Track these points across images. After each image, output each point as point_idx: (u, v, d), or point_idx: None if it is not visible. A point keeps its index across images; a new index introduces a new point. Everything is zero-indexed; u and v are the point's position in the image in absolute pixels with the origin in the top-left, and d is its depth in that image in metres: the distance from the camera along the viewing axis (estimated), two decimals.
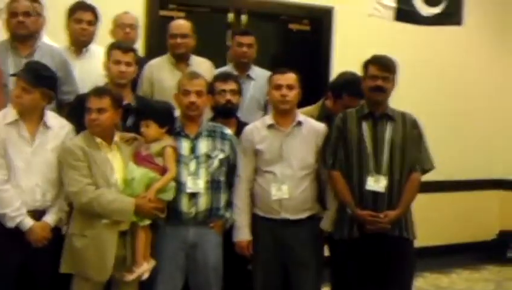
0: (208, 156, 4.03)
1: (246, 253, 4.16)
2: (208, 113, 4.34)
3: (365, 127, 4.07)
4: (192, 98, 4.00)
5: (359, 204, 4.00)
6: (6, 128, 3.75)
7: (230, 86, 4.37)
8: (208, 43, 5.26)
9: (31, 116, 3.80)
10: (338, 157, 4.08)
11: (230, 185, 4.16)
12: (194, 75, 4.12)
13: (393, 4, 6.29)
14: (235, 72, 4.85)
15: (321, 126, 4.23)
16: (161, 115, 3.93)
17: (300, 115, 4.23)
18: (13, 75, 3.81)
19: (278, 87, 4.13)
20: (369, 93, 4.09)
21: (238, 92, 4.42)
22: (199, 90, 4.03)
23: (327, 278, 4.43)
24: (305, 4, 6.34)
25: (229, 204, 4.14)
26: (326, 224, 4.17)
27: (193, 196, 3.95)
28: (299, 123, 4.17)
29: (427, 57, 6.90)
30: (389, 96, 4.12)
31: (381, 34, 6.44)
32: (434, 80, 6.99)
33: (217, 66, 5.05)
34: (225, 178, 4.11)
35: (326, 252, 4.40)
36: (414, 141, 4.12)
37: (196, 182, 3.95)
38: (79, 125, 3.94)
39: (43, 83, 3.81)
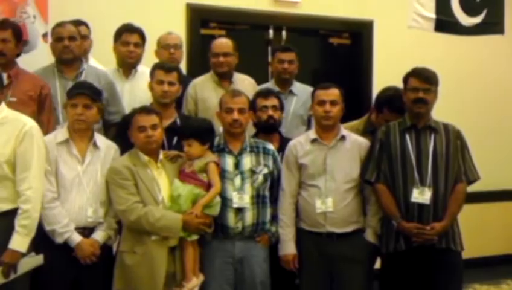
0: (253, 172, 4.08)
1: (291, 267, 4.18)
2: (250, 130, 4.40)
3: (408, 139, 4.08)
4: (235, 115, 4.06)
5: (405, 216, 4.00)
6: (57, 148, 3.86)
7: (272, 102, 4.42)
8: (248, 60, 5.32)
9: (81, 136, 3.91)
10: (382, 170, 4.09)
11: (273, 199, 4.20)
12: (236, 93, 4.19)
13: (433, 15, 6.26)
14: (277, 89, 4.90)
15: (364, 140, 4.26)
16: (201, 132, 4.00)
17: (344, 129, 4.26)
18: (75, 92, 3.90)
19: (321, 103, 4.16)
20: (411, 105, 4.09)
21: (280, 107, 4.46)
22: (241, 108, 4.10)
23: None
24: (345, 18, 6.36)
25: (274, 218, 4.18)
26: (369, 235, 4.18)
27: (239, 211, 4.00)
28: (343, 137, 4.20)
29: (469, 68, 6.86)
30: (431, 108, 4.12)
31: (421, 46, 6.43)
32: (477, 90, 6.94)
33: (258, 82, 5.10)
34: (269, 193, 4.16)
35: (378, 264, 4.39)
36: (458, 151, 4.11)
37: (242, 197, 4.01)
38: (126, 145, 4.03)
39: (100, 98, 3.97)
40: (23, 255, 3.63)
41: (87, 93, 3.89)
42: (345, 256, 4.11)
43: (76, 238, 3.80)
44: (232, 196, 4.00)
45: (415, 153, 4.05)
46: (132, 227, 3.83)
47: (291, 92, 5.00)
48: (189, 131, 4.03)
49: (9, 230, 3.62)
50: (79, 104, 3.85)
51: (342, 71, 6.34)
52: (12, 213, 3.65)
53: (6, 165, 3.66)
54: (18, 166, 3.67)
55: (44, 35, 5.12)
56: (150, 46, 5.08)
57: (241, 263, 4.04)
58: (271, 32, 6.19)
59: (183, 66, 5.36)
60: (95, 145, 3.94)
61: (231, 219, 4.00)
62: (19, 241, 3.61)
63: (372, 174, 4.10)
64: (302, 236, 4.19)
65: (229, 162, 4.07)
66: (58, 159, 3.85)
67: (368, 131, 4.48)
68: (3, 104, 3.78)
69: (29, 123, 3.75)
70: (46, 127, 4.09)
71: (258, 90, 4.74)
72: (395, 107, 4.29)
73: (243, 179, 4.05)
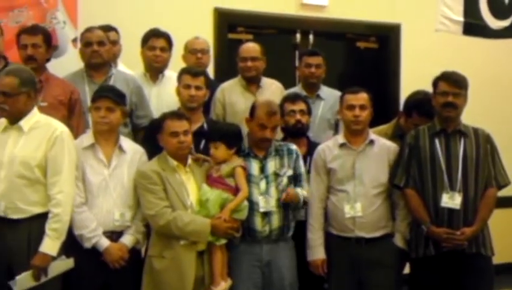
0: (277, 175, 4.08)
1: (320, 272, 4.17)
2: (278, 134, 4.39)
3: (438, 143, 4.06)
4: (268, 134, 4.05)
5: (434, 221, 3.98)
6: (83, 152, 3.89)
7: (299, 106, 4.42)
8: (275, 65, 5.32)
9: (107, 140, 3.94)
10: (411, 174, 4.07)
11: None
12: (272, 111, 4.07)
13: (461, 18, 6.21)
14: (304, 93, 4.89)
15: (392, 144, 4.24)
16: (229, 136, 4.01)
17: (372, 134, 4.25)
18: (99, 96, 3.95)
19: (351, 107, 4.15)
20: (440, 109, 4.07)
21: (307, 112, 4.46)
22: (275, 126, 4.09)
23: None
24: (372, 22, 6.35)
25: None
26: (398, 240, 4.16)
27: (266, 214, 4.01)
28: (371, 142, 4.19)
29: (497, 71, 6.80)
30: (461, 112, 4.10)
31: (449, 49, 6.38)
32: (505, 93, 6.88)
33: (285, 87, 5.09)
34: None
35: (407, 269, 4.37)
36: (488, 156, 4.08)
37: (268, 201, 4.01)
38: (153, 149, 4.04)
39: (123, 101, 3.99)
40: (53, 258, 3.67)
41: (110, 96, 3.92)
42: (373, 261, 4.09)
43: (105, 242, 3.83)
44: (258, 200, 4.00)
45: (445, 157, 4.02)
46: (161, 232, 3.84)
47: (318, 96, 5.00)
48: (217, 134, 4.05)
49: (40, 233, 3.66)
50: (102, 107, 3.88)
51: (369, 75, 6.32)
52: (43, 216, 3.69)
53: (38, 169, 3.71)
54: (49, 170, 3.72)
55: (74, 41, 5.18)
56: (178, 51, 5.11)
57: (268, 266, 4.04)
58: (298, 36, 6.20)
59: (210, 71, 5.38)
60: (121, 149, 3.96)
61: (258, 222, 4.00)
62: (50, 245, 3.65)
63: (401, 178, 4.08)
64: (330, 241, 4.19)
65: (254, 166, 4.07)
66: (85, 164, 3.88)
67: (396, 135, 4.46)
68: (35, 108, 3.82)
69: (60, 128, 3.80)
70: (76, 132, 4.12)
71: (286, 94, 4.74)
72: (424, 111, 4.28)
73: (267, 183, 4.05)
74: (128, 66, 5.01)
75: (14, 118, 3.75)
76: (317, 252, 4.16)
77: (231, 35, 5.95)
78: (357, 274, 4.13)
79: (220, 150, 3.97)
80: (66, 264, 3.74)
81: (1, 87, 3.72)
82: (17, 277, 3.58)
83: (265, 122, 4.05)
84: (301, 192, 4.06)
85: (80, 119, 4.34)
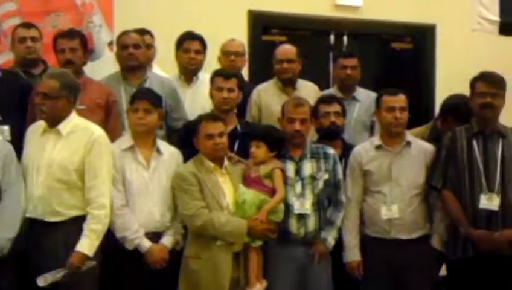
0: (313, 178, 4.08)
1: (356, 274, 4.16)
2: (312, 135, 4.39)
3: (475, 145, 4.02)
4: (297, 126, 4.07)
5: (472, 223, 3.94)
6: (122, 154, 3.93)
7: (335, 108, 4.40)
8: (309, 66, 5.32)
9: (145, 142, 3.97)
10: (448, 176, 4.04)
11: (333, 202, 4.17)
12: (299, 103, 4.17)
13: (497, 18, 6.18)
14: (340, 95, 4.88)
15: (429, 146, 4.21)
16: (273, 139, 4.01)
17: (409, 135, 4.22)
18: (137, 97, 3.98)
19: (391, 109, 4.13)
20: (478, 110, 4.03)
21: (342, 114, 4.44)
22: (304, 118, 4.10)
23: None
24: (407, 22, 6.32)
25: (330, 223, 4.12)
26: (435, 242, 4.13)
27: (301, 217, 4.00)
28: (408, 143, 4.16)
29: None
30: (499, 113, 4.06)
31: (485, 50, 6.33)
32: None
33: (319, 88, 5.08)
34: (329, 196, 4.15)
35: (444, 271, 4.35)
36: None
37: (303, 204, 4.01)
38: (189, 151, 4.07)
39: (161, 103, 4.03)
40: (88, 258, 3.69)
41: (148, 98, 3.95)
42: (410, 262, 4.06)
43: (146, 244, 3.85)
44: (294, 203, 4.00)
45: (483, 158, 3.98)
46: (198, 232, 3.86)
47: (354, 98, 4.98)
48: (261, 133, 4.07)
49: (77, 236, 3.69)
50: (140, 109, 3.91)
51: (404, 76, 6.30)
52: (80, 219, 3.73)
53: (75, 173, 3.74)
54: (87, 174, 3.75)
55: (110, 44, 5.25)
56: (213, 54, 5.13)
57: (304, 268, 4.03)
58: (332, 37, 6.21)
59: (244, 73, 5.40)
60: (159, 151, 3.99)
61: (293, 224, 4.00)
62: (87, 245, 3.68)
63: (439, 180, 4.05)
64: (367, 243, 4.17)
65: (290, 168, 4.07)
66: (125, 166, 3.91)
67: (433, 138, 4.43)
68: (74, 112, 3.87)
69: (98, 132, 3.83)
70: (113, 134, 4.14)
71: (321, 96, 4.73)
72: (460, 115, 4.25)
73: (303, 186, 4.05)
74: (163, 69, 5.04)
75: (53, 122, 3.79)
76: (353, 254, 4.15)
77: (265, 37, 5.98)
78: (394, 276, 4.10)
79: (261, 150, 3.98)
80: (87, 265, 3.74)
81: (42, 88, 3.77)
82: (47, 274, 3.60)
83: (292, 114, 4.07)
84: (329, 238, 4.06)
85: (116, 122, 4.38)
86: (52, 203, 3.72)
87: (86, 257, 3.68)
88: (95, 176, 3.74)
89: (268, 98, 4.84)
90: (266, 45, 5.79)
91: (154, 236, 3.90)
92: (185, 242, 3.97)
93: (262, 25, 5.93)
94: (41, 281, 3.61)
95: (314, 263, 4.03)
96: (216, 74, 4.36)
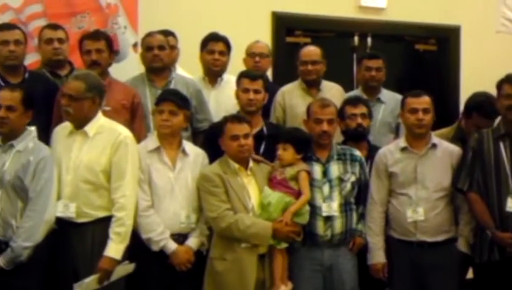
0: (341, 180, 4.07)
1: (380, 276, 4.14)
2: (338, 137, 4.38)
3: (502, 147, 3.99)
4: (324, 127, 4.06)
5: (499, 226, 3.92)
6: (148, 156, 3.94)
7: (361, 109, 4.39)
8: (333, 68, 5.28)
9: (171, 143, 3.97)
10: (475, 178, 4.01)
11: (362, 202, 4.18)
12: (325, 103, 4.17)
13: None
14: (364, 96, 4.87)
15: (456, 148, 4.19)
16: (300, 141, 4.01)
17: (434, 137, 4.20)
18: (162, 99, 3.99)
19: (414, 111, 4.11)
20: (505, 112, 4.01)
21: (369, 115, 4.42)
22: (330, 119, 4.10)
23: None
24: (431, 24, 6.29)
25: (361, 219, 4.16)
26: (461, 245, 4.10)
27: (328, 219, 3.99)
28: (434, 145, 4.14)
29: None
30: None
31: (510, 51, 6.28)
32: None
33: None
34: (356, 199, 4.15)
35: (470, 274, 4.32)
36: None
37: (330, 206, 4.00)
38: (213, 152, 4.07)
39: (186, 105, 4.02)
40: (118, 262, 3.71)
41: (174, 99, 3.95)
42: (436, 265, 4.04)
43: (172, 245, 3.86)
44: (321, 204, 4.00)
45: (510, 161, 3.96)
46: (223, 234, 3.86)
47: (378, 100, 4.97)
48: (289, 135, 4.06)
49: (104, 237, 3.72)
50: (165, 110, 3.92)
51: (428, 78, 6.27)
52: (107, 220, 3.76)
53: (102, 174, 3.77)
54: (113, 175, 3.77)
55: (135, 45, 5.28)
56: (237, 55, 5.12)
57: (330, 270, 4.03)
58: (356, 39, 6.18)
59: (268, 74, 5.39)
60: (184, 152, 4.00)
61: (320, 227, 3.99)
62: (114, 249, 3.70)
63: (465, 182, 4.03)
64: (392, 245, 4.16)
65: (316, 170, 4.06)
66: (151, 167, 3.92)
67: (457, 138, 4.41)
68: (99, 113, 3.89)
69: (124, 132, 3.85)
70: (138, 135, 4.16)
71: (347, 97, 4.72)
72: (484, 111, 4.25)
73: (331, 187, 4.04)
74: (187, 70, 5.05)
75: (79, 123, 3.82)
76: (377, 256, 4.14)
77: (289, 39, 5.97)
78: (419, 279, 4.09)
79: (288, 152, 3.98)
80: (126, 269, 3.79)
81: (68, 90, 3.80)
82: (85, 280, 3.64)
83: (319, 115, 4.07)
84: (359, 227, 4.11)
85: (141, 123, 4.39)
86: (79, 204, 3.75)
87: (115, 261, 3.70)
88: (121, 176, 3.76)
89: (292, 99, 4.83)
90: (290, 47, 5.79)
91: (180, 237, 3.91)
92: (210, 243, 3.98)
93: (286, 26, 5.93)
94: (78, 289, 3.64)
95: (347, 256, 4.06)
96: (242, 76, 4.37)
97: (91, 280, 3.64)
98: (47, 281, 3.80)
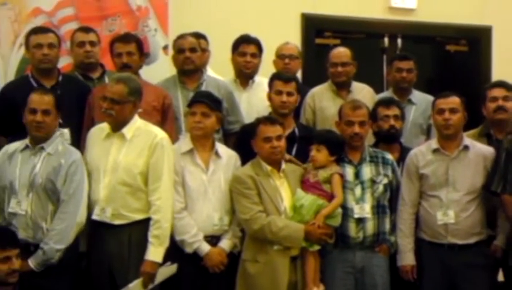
0: (373, 181, 4.06)
1: (410, 278, 4.12)
2: (369, 138, 4.36)
3: None
4: (356, 129, 4.06)
5: None
6: (182, 158, 3.96)
7: (394, 111, 4.37)
8: (363, 69, 5.27)
9: (204, 145, 3.99)
10: (508, 180, 3.97)
11: (393, 209, 4.16)
12: (357, 105, 4.16)
13: None
14: (395, 98, 4.82)
15: (489, 150, 4.15)
16: (334, 143, 4.01)
17: (467, 139, 4.17)
18: (195, 101, 4.00)
19: (441, 111, 4.10)
20: None
21: (401, 117, 4.40)
22: (362, 121, 4.09)
23: None
24: (462, 24, 6.24)
25: (393, 228, 4.14)
26: (500, 241, 4.09)
27: (360, 220, 3.99)
28: (466, 147, 4.11)
29: None
30: None
31: None
32: None
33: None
34: (388, 203, 4.13)
35: (501, 277, 4.29)
36: None
37: (363, 207, 4.00)
38: (245, 154, 4.08)
39: (219, 107, 4.03)
40: (159, 265, 3.73)
41: (206, 101, 3.96)
42: (466, 268, 4.02)
43: (205, 247, 3.88)
44: (353, 206, 3.99)
45: None
46: (255, 236, 3.87)
47: (410, 101, 4.94)
48: (323, 137, 4.06)
49: (140, 239, 3.76)
50: (198, 112, 3.93)
51: (459, 79, 6.22)
52: (144, 222, 3.78)
53: (140, 177, 3.80)
54: (150, 177, 3.80)
55: (165, 48, 5.31)
56: (266, 57, 5.10)
57: (362, 272, 4.02)
58: (386, 40, 6.16)
59: (298, 76, 5.38)
60: (217, 154, 4.01)
61: (352, 229, 3.99)
62: (154, 252, 3.73)
63: (498, 185, 3.99)
64: (422, 247, 4.13)
65: (348, 171, 4.06)
66: (184, 169, 3.94)
67: (483, 134, 4.41)
68: (136, 115, 3.91)
69: (160, 134, 3.88)
70: (169, 137, 4.15)
71: (380, 99, 4.70)
72: None
73: (363, 189, 4.04)
74: (218, 72, 5.06)
75: (118, 125, 3.85)
76: (407, 257, 4.11)
77: (319, 40, 5.97)
78: (450, 281, 4.07)
79: (321, 154, 3.98)
80: (170, 270, 3.81)
81: (110, 93, 3.82)
82: (130, 285, 3.66)
83: (351, 117, 4.07)
84: (394, 240, 4.10)
85: (172, 124, 4.40)
86: (117, 207, 3.78)
87: (156, 264, 3.72)
88: (158, 178, 3.79)
89: (322, 101, 4.82)
90: (319, 48, 5.79)
91: (213, 239, 3.93)
92: (242, 245, 3.99)
93: (315, 28, 5.92)
94: None
95: (380, 259, 4.05)
96: (275, 78, 4.36)
97: (135, 284, 3.67)
98: (82, 282, 3.85)
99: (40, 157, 3.80)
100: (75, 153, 3.88)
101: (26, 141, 3.84)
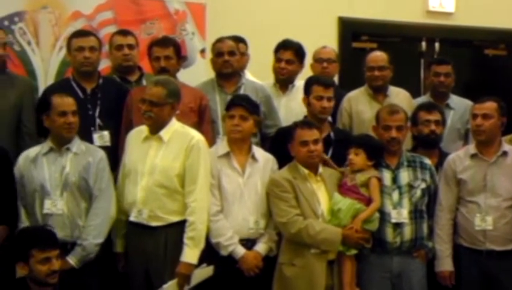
0: (411, 186, 4.03)
1: (447, 284, 4.09)
2: (407, 142, 4.34)
3: None
4: (394, 133, 4.04)
5: None
6: (218, 161, 3.98)
7: (435, 116, 4.34)
8: (400, 73, 5.25)
9: (241, 148, 4.01)
10: None
11: (431, 214, 4.13)
12: (395, 110, 4.14)
13: None
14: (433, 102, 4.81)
15: None
16: (373, 148, 4.00)
17: (506, 145, 4.13)
18: (233, 104, 4.01)
19: (474, 116, 4.08)
20: None
21: (442, 123, 4.37)
22: (400, 125, 4.07)
23: None
24: (501, 28, 6.20)
25: (431, 233, 4.11)
26: None
27: (397, 225, 3.97)
28: (505, 153, 4.07)
29: None
30: None
31: None
32: None
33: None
34: (426, 208, 4.10)
35: None
36: None
37: (400, 212, 3.97)
38: (281, 157, 4.08)
39: (257, 110, 4.06)
40: (195, 266, 3.76)
41: (244, 105, 3.97)
42: (505, 274, 3.98)
43: (241, 251, 3.89)
44: (390, 211, 3.97)
45: None
46: (292, 239, 3.88)
47: (447, 106, 4.90)
48: (361, 140, 4.05)
49: (176, 240, 3.78)
50: (236, 115, 3.94)
51: (498, 83, 6.17)
52: (180, 224, 3.81)
53: (177, 179, 3.82)
54: (186, 179, 3.82)
55: (202, 51, 5.35)
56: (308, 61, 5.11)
57: (399, 277, 4.00)
58: (423, 44, 6.13)
59: (335, 79, 5.38)
60: (254, 158, 4.02)
61: (389, 233, 3.97)
62: (189, 254, 3.75)
63: None
64: (460, 253, 4.10)
65: (386, 176, 4.04)
66: (220, 172, 3.96)
67: None
68: (173, 118, 3.94)
69: (197, 136, 3.90)
70: (206, 138, 4.15)
71: (421, 103, 4.67)
72: None
73: (401, 194, 4.01)
74: (256, 76, 5.07)
75: (156, 128, 3.88)
76: (444, 263, 4.09)
77: (355, 44, 5.98)
78: (488, 287, 4.04)
79: (360, 157, 3.97)
80: (206, 272, 3.83)
81: (149, 96, 3.86)
82: (164, 286, 3.69)
83: (388, 121, 4.05)
84: (431, 246, 4.07)
85: (209, 126, 4.42)
86: (154, 208, 3.81)
87: (191, 266, 3.75)
88: (194, 181, 3.81)
89: (359, 105, 4.81)
90: (356, 52, 5.78)
91: (248, 243, 3.94)
92: (278, 249, 3.99)
93: (352, 31, 5.93)
94: None
95: (417, 264, 4.02)
96: (314, 82, 4.32)
97: (170, 285, 3.70)
98: (119, 282, 3.91)
99: (67, 158, 3.87)
100: (99, 150, 3.98)
101: (49, 144, 3.90)
